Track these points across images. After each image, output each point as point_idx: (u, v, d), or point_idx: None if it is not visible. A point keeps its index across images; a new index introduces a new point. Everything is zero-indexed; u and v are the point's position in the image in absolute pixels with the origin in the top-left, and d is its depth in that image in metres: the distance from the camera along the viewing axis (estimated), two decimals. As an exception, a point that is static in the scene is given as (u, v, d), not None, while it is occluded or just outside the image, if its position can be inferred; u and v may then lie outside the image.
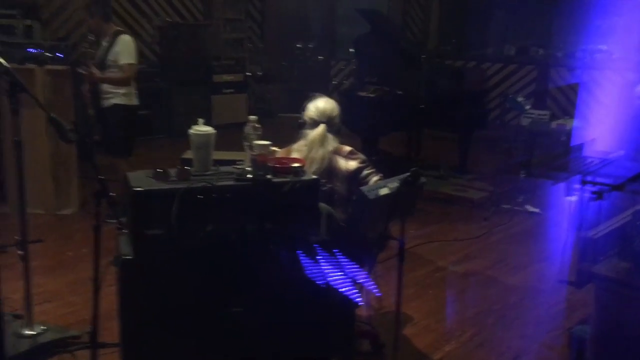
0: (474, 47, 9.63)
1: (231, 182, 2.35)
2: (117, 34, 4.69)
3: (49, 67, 4.83)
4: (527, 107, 6.07)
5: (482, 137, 6.91)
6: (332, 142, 2.90)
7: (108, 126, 4.77)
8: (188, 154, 2.90)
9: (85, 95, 4.85)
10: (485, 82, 9.33)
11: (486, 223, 5.12)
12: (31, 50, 5.32)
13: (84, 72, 4.63)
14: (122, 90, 4.69)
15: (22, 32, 5.82)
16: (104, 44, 4.69)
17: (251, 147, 2.49)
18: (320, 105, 2.97)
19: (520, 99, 5.97)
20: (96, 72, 4.60)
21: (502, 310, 3.63)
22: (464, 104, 6.30)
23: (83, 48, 4.63)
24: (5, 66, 2.73)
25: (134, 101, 4.81)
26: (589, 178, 2.95)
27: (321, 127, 2.90)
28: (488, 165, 6.43)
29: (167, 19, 8.39)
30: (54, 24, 7.06)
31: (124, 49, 4.62)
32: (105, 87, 4.67)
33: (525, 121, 6.67)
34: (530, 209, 5.43)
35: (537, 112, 7.02)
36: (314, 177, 2.54)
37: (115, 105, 4.69)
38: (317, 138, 2.87)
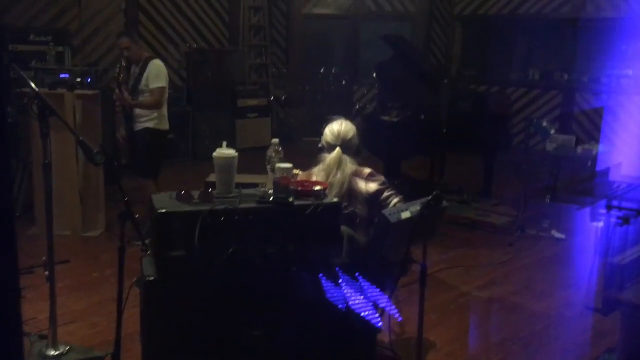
0: (498, 72, 9.62)
1: (253, 205, 2.38)
2: (148, 59, 4.83)
3: (79, 91, 4.95)
4: (552, 131, 6.02)
5: (506, 162, 6.85)
6: (349, 165, 2.90)
7: (139, 149, 4.87)
8: (212, 177, 2.94)
9: (118, 122, 5.03)
10: (509, 106, 9.28)
11: (511, 248, 5.05)
12: (63, 75, 5.47)
13: (116, 97, 4.76)
14: (154, 114, 4.82)
15: (53, 58, 6.00)
16: (136, 70, 4.83)
17: (273, 170, 2.52)
18: (335, 128, 2.98)
19: (545, 123, 5.93)
20: (128, 97, 4.73)
21: (527, 337, 3.56)
22: (487, 128, 6.27)
23: (115, 74, 4.76)
24: (35, 91, 2.82)
25: (165, 125, 4.94)
26: (614, 203, 2.90)
27: (336, 151, 2.91)
28: (512, 190, 6.36)
29: (193, 44, 8.56)
30: (85, 51, 7.26)
31: (155, 74, 4.76)
32: (139, 111, 4.80)
33: (550, 146, 6.60)
34: (556, 234, 5.34)
35: (562, 136, 6.96)
36: (336, 200, 2.55)
37: (147, 128, 4.81)
38: (333, 162, 2.88)
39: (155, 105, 4.78)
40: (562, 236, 5.30)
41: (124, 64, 4.80)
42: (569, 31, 8.72)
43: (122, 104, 4.82)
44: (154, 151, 4.90)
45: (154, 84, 4.74)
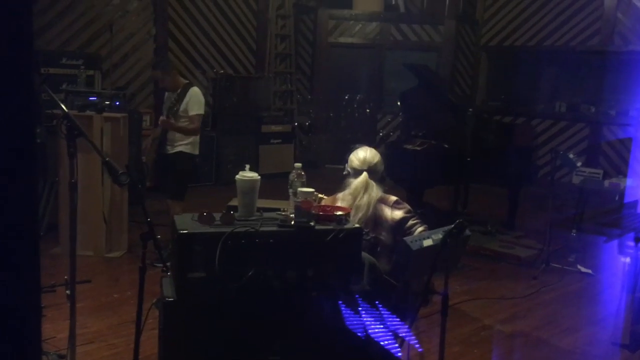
0: (523, 103, 9.57)
1: (274, 228, 2.37)
2: (187, 86, 4.94)
3: (107, 114, 5.04)
4: (579, 164, 5.94)
5: (532, 195, 6.76)
6: (376, 190, 2.91)
7: (171, 171, 4.97)
8: (234, 202, 2.95)
9: (150, 143, 5.14)
10: (534, 138, 9.20)
11: (535, 282, 4.95)
12: (92, 98, 5.59)
13: (162, 122, 4.88)
14: (189, 140, 4.94)
15: (84, 81, 6.14)
16: (172, 96, 4.93)
17: (295, 194, 2.51)
18: (360, 154, 3.02)
19: (571, 155, 5.86)
20: (173, 122, 4.86)
21: (551, 374, 3.46)
22: (511, 158, 6.22)
23: (170, 104, 4.94)
24: (65, 111, 2.88)
25: (197, 151, 5.06)
26: (643, 236, 2.83)
27: (363, 175, 2.93)
28: (537, 222, 6.26)
29: (220, 70, 8.70)
30: (115, 75, 7.42)
31: (195, 101, 4.88)
32: (174, 135, 4.90)
33: (576, 179, 6.53)
34: (582, 269, 5.21)
35: (589, 169, 6.87)
36: (357, 226, 2.53)
37: (181, 152, 4.92)
38: (360, 185, 2.90)
39: (195, 132, 4.94)
40: (589, 271, 5.17)
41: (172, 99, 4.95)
42: (596, 64, 8.66)
43: (164, 127, 4.90)
44: (185, 174, 5.03)
45: (194, 111, 4.87)
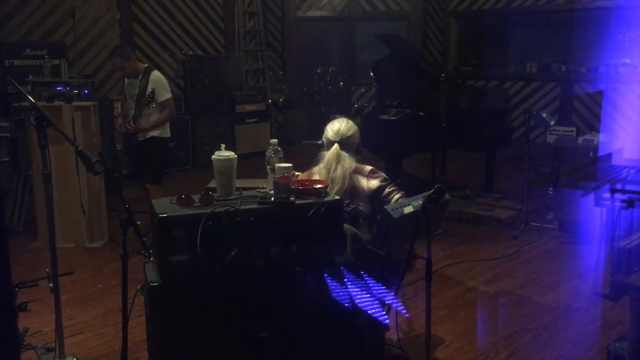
0: (495, 67, 9.60)
1: (254, 206, 2.36)
2: (147, 71, 4.86)
3: (76, 103, 4.95)
4: (552, 122, 6.00)
5: (508, 156, 6.84)
6: (348, 161, 2.90)
7: (146, 157, 4.94)
8: (213, 184, 2.93)
9: (116, 131, 5.09)
10: (507, 100, 9.26)
11: (515, 242, 5.03)
12: (59, 88, 5.48)
13: (128, 130, 4.82)
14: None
15: (49, 71, 6.00)
16: (135, 82, 4.85)
17: (273, 170, 2.50)
18: (335, 126, 3.01)
19: (544, 115, 5.90)
20: (141, 125, 4.81)
21: (536, 329, 3.54)
22: (486, 123, 6.26)
23: (134, 92, 4.86)
24: (32, 102, 2.82)
25: (168, 133, 5.05)
26: (618, 186, 2.87)
27: (334, 147, 2.92)
28: (515, 183, 6.34)
29: (189, 52, 8.56)
30: (81, 63, 7.26)
31: (160, 87, 4.82)
32: (143, 122, 4.82)
33: (551, 138, 6.58)
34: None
35: (562, 128, 6.93)
36: (337, 197, 2.53)
37: (153, 137, 4.90)
38: (332, 157, 2.89)
39: (171, 116, 4.94)
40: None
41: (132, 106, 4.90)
42: (565, 22, 8.70)
43: (135, 133, 4.84)
44: (160, 158, 5.05)
45: (162, 97, 4.83)
